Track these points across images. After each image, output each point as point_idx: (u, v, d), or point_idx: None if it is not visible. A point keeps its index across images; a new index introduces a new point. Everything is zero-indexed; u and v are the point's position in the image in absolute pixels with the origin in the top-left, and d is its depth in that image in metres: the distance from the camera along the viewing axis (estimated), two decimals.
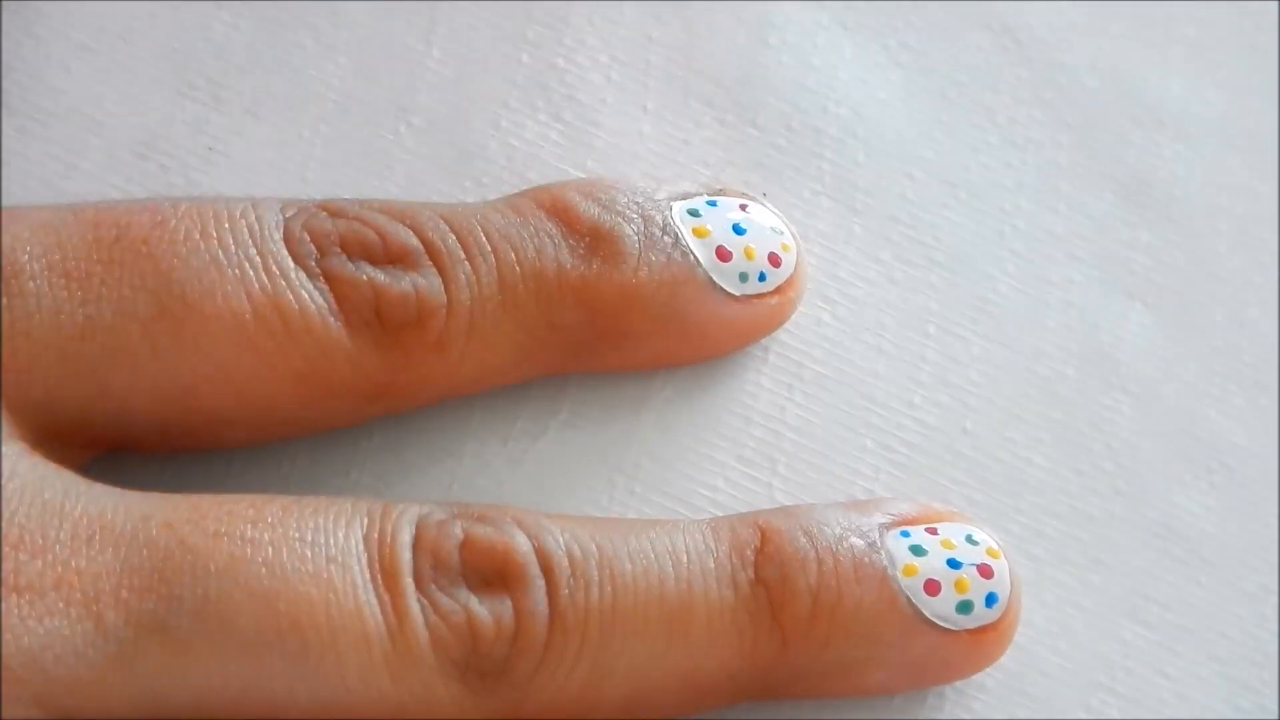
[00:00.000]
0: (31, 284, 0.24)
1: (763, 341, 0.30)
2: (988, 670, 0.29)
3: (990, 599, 0.27)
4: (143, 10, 0.31)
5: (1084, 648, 0.29)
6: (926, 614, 0.27)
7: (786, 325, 0.30)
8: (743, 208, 0.29)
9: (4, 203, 0.27)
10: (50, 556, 0.23)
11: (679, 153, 0.31)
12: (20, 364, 0.24)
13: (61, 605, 0.22)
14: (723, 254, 0.28)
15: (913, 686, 0.27)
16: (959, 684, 0.29)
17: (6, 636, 0.22)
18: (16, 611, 0.22)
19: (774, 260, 0.29)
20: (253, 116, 0.31)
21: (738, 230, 0.29)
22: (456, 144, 0.31)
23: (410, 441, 0.29)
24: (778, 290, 0.29)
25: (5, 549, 0.22)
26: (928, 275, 0.31)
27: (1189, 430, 0.31)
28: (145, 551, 0.23)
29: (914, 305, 0.31)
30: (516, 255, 0.27)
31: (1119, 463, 0.30)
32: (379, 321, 0.26)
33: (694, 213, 0.29)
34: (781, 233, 0.29)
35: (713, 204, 0.29)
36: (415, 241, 0.27)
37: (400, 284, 0.26)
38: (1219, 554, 0.30)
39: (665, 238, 0.28)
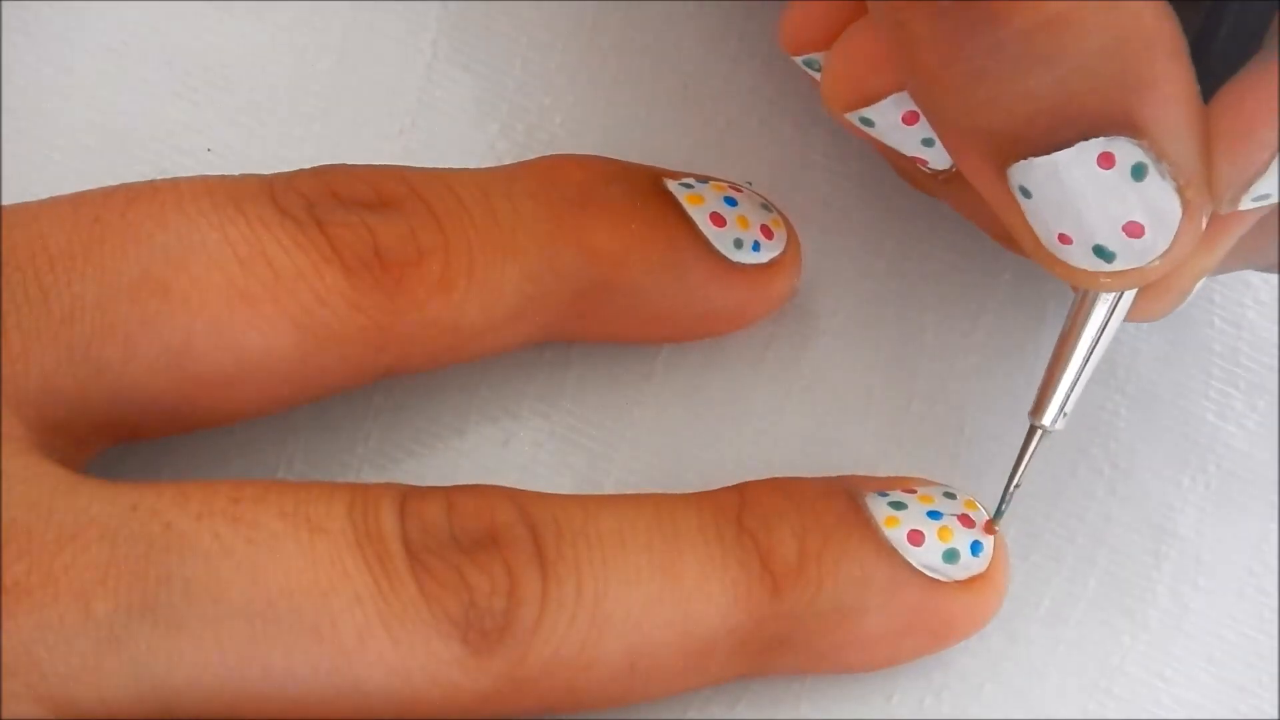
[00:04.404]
0: (18, 276, 0.24)
1: (761, 340, 0.30)
2: (985, 673, 0.29)
3: (975, 547, 0.27)
4: (143, 10, 0.31)
5: (1081, 650, 0.29)
6: (914, 564, 0.27)
7: (784, 324, 0.30)
8: (734, 187, 0.29)
9: (3, 203, 0.27)
10: (37, 554, 0.23)
11: (677, 148, 0.31)
12: (15, 357, 0.24)
13: (50, 600, 0.22)
14: (716, 219, 0.28)
15: (914, 642, 0.27)
16: (957, 685, 0.29)
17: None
18: (5, 610, 0.22)
19: (766, 233, 0.29)
20: (251, 118, 0.31)
21: (730, 202, 0.29)
22: (454, 144, 0.31)
23: (410, 441, 0.29)
24: (773, 264, 0.29)
25: None
26: (928, 274, 0.31)
27: (1186, 433, 0.31)
28: (132, 540, 0.23)
29: (914, 304, 0.31)
30: (513, 202, 0.27)
31: (1116, 465, 0.30)
32: (378, 261, 0.26)
33: (687, 185, 0.29)
34: (771, 213, 0.29)
35: (704, 182, 0.29)
36: (407, 190, 0.27)
37: (396, 224, 0.26)
38: (1216, 557, 0.30)
39: (660, 197, 0.28)
